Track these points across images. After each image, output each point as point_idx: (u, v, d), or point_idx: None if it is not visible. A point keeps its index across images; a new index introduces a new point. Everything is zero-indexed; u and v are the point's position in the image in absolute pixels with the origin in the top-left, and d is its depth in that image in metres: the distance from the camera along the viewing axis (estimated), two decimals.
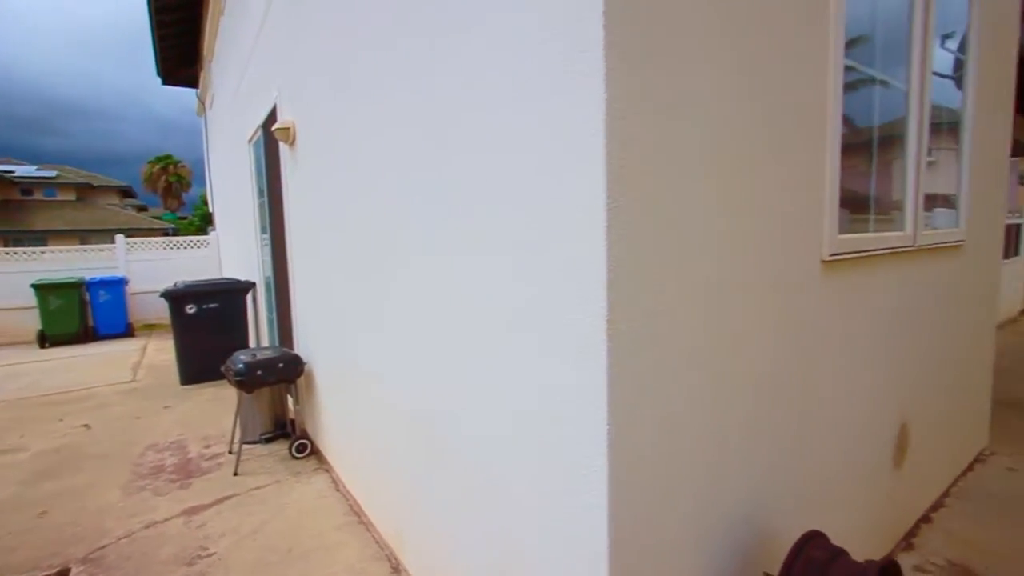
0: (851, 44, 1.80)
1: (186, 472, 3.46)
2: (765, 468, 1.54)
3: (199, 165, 12.26)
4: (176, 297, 5.54)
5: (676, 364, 1.23)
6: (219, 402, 4.95)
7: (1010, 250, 7.75)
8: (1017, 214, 8.02)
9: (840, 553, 1.26)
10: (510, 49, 1.25)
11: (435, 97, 1.61)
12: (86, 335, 8.72)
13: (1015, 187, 7.73)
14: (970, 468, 3.18)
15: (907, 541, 2.46)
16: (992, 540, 2.47)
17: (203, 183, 14.96)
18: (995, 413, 3.66)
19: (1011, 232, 7.80)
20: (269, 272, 4.87)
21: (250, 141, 4.99)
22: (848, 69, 1.72)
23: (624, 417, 1.12)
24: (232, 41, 5.66)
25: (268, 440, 3.82)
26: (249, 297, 6.05)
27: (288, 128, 3.27)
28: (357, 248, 2.44)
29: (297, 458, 3.53)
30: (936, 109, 2.60)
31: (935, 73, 2.56)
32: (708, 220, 1.27)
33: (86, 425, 4.52)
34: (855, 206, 2.03)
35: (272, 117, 3.73)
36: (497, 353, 1.43)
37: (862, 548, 2.13)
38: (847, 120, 2.14)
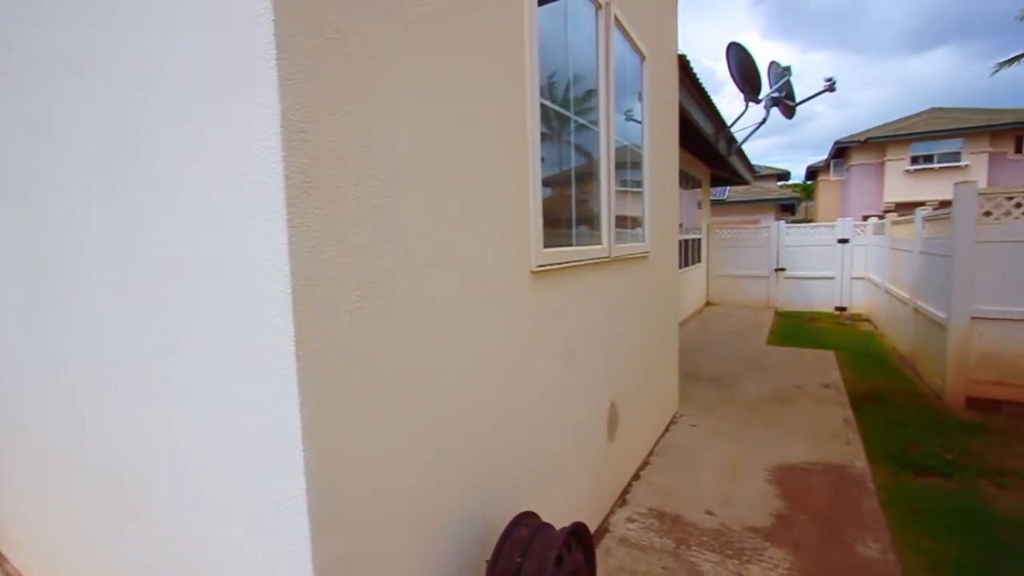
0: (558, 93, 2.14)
1: None
2: (488, 464, 1.69)
3: None
4: None
5: (386, 380, 1.25)
6: None
7: (695, 258, 10.28)
8: (697, 231, 10.67)
9: (543, 528, 1.45)
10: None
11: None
12: None
13: (695, 211, 10.31)
14: (667, 429, 4.07)
15: (622, 498, 3.00)
16: (677, 484, 3.18)
17: None
18: (682, 383, 4.77)
19: (696, 244, 10.37)
20: None
21: None
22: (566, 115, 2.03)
23: (325, 442, 1.08)
24: None
25: None
26: None
27: None
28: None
29: None
30: (633, 151, 3.29)
31: (634, 120, 3.25)
32: (416, 240, 1.34)
33: None
34: (570, 224, 2.40)
35: None
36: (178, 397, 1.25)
37: (587, 512, 2.51)
38: (579, 150, 2.53)
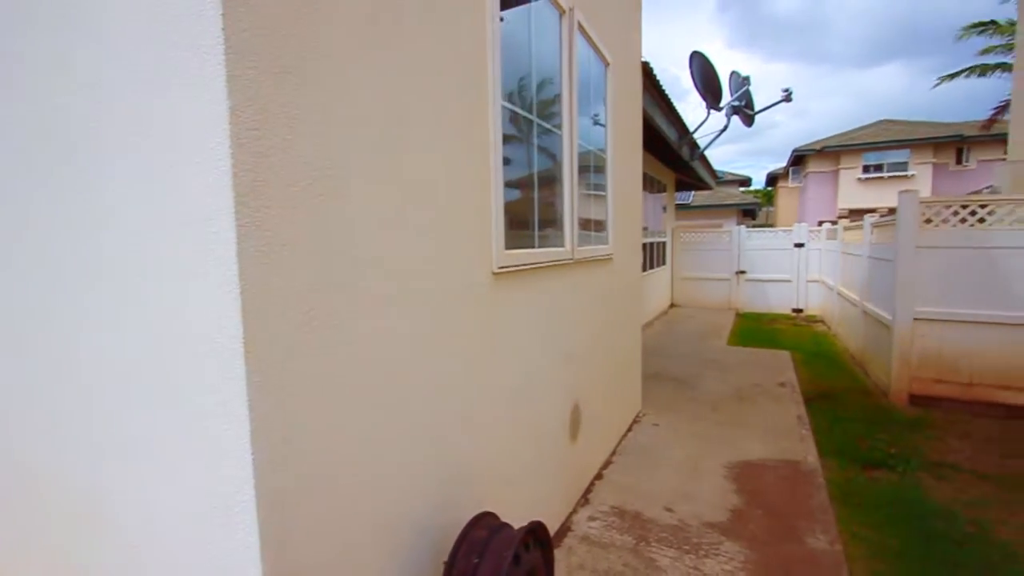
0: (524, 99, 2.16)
1: None
2: (448, 465, 1.69)
3: None
4: None
5: (342, 382, 1.23)
6: None
7: (660, 261, 10.51)
8: (663, 234, 10.91)
9: (502, 528, 1.46)
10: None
11: None
12: None
13: (660, 215, 10.54)
14: (630, 429, 4.14)
15: (585, 497, 3.04)
16: (639, 482, 3.25)
17: None
18: (646, 383, 4.87)
19: (661, 247, 10.60)
20: None
21: None
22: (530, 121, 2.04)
23: (276, 447, 1.06)
24: None
25: None
26: None
27: None
28: None
29: None
30: (598, 155, 3.34)
31: (600, 124, 3.30)
32: (373, 241, 1.33)
33: None
34: (534, 226, 2.42)
35: None
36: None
37: (550, 511, 2.54)
38: (544, 153, 2.55)
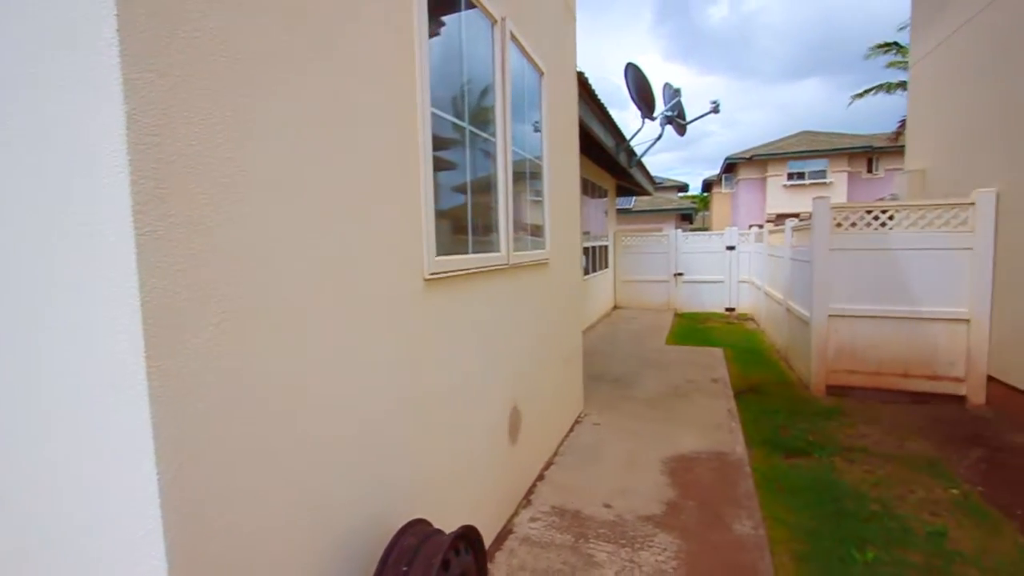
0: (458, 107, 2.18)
1: None
2: (379, 474, 1.67)
3: None
4: None
5: (261, 394, 1.20)
6: None
7: (603, 264, 10.80)
8: (605, 238, 11.22)
9: (433, 534, 1.46)
10: None
11: None
12: None
13: (603, 219, 10.84)
14: (572, 429, 4.23)
15: (527, 498, 3.08)
16: (580, 481, 3.32)
17: None
18: (588, 383, 4.99)
19: (604, 251, 10.90)
20: None
21: None
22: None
23: (186, 464, 1.02)
24: None
25: None
26: None
27: None
28: None
29: None
30: (535, 161, 3.40)
31: (538, 131, 3.36)
32: (294, 249, 1.30)
33: None
34: (469, 232, 2.44)
35: None
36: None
37: (490, 514, 2.55)
38: (479, 160, 2.56)
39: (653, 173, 12.69)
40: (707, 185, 31.71)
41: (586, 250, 8.52)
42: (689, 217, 22.82)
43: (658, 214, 20.69)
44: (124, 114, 0.92)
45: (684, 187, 30.41)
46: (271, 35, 1.25)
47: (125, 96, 0.92)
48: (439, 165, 2.19)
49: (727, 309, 11.10)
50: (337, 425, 1.46)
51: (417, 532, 1.43)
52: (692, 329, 9.37)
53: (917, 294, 4.91)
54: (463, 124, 2.38)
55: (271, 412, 1.24)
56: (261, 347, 1.21)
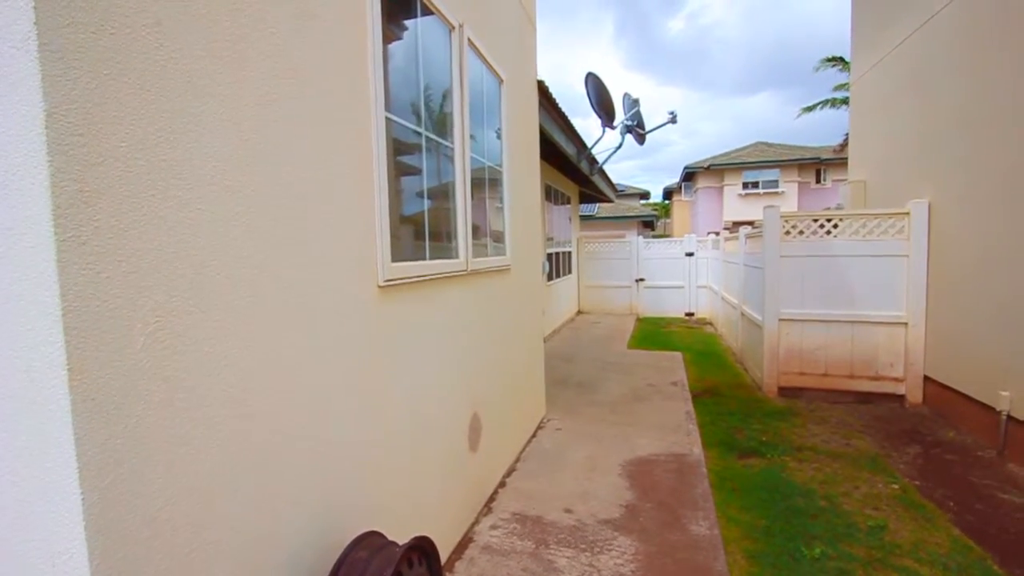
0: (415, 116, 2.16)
1: None
2: (330, 486, 1.62)
3: None
4: None
5: (201, 407, 1.15)
6: None
7: (567, 270, 10.91)
8: (569, 244, 11.35)
9: (386, 546, 1.43)
10: None
11: None
12: None
13: (567, 225, 10.96)
14: (535, 434, 4.24)
15: (488, 506, 3.06)
16: (541, 487, 3.33)
17: None
18: (551, 388, 5.02)
19: (568, 257, 11.02)
20: None
21: None
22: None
23: (115, 483, 0.96)
24: None
25: None
26: None
27: None
28: None
29: None
30: (495, 168, 3.40)
31: (498, 138, 3.36)
32: (236, 255, 1.25)
33: None
34: (427, 238, 2.41)
35: None
36: None
37: (450, 523, 2.52)
38: (437, 166, 2.54)
39: (615, 181, 12.95)
40: (668, 193, 32.62)
41: (550, 256, 8.59)
42: (651, 224, 23.39)
43: (621, 221, 21.10)
44: (43, 112, 0.87)
45: (646, 195, 31.16)
46: (213, 30, 1.20)
47: (44, 93, 0.87)
48: (397, 171, 2.17)
49: (687, 314, 11.40)
50: (284, 435, 1.41)
51: (369, 545, 1.39)
52: (653, 333, 9.56)
53: (860, 298, 5.17)
54: (421, 130, 2.36)
55: (212, 424, 1.18)
56: (199, 357, 1.15)
